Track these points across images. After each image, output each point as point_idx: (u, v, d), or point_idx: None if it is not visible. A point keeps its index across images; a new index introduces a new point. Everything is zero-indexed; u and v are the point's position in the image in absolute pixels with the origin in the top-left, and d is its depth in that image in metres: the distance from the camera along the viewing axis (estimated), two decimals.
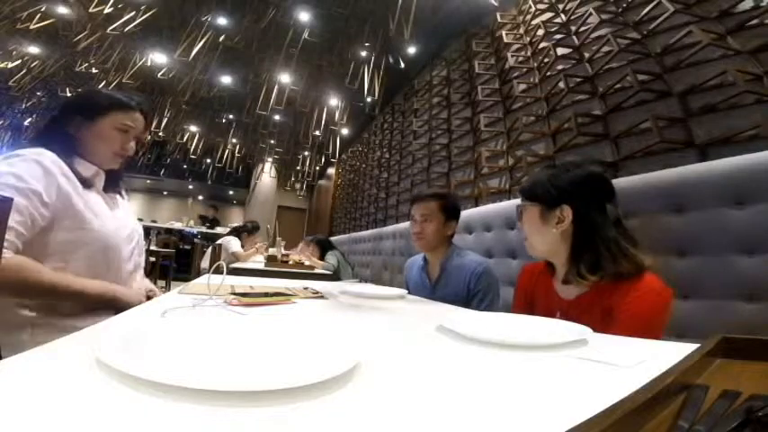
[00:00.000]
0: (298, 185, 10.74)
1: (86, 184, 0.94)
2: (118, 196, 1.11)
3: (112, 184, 1.09)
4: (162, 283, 4.95)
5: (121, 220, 1.04)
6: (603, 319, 0.82)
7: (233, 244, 3.78)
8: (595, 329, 0.69)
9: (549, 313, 0.89)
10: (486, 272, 1.46)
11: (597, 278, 0.84)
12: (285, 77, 5.48)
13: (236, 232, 4.09)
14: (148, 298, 1.00)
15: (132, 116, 1.02)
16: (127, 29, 4.45)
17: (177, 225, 7.77)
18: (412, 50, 4.41)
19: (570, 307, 0.91)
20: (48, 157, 0.87)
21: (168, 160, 10.58)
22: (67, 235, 0.87)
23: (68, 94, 6.76)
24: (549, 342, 0.57)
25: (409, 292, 1.58)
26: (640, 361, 0.49)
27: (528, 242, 1.00)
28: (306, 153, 9.32)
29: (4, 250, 0.78)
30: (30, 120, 8.48)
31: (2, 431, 0.24)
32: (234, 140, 8.93)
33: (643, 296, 0.80)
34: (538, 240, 0.96)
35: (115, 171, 1.08)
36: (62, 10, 4.62)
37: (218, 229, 7.45)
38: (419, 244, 1.55)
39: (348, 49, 4.82)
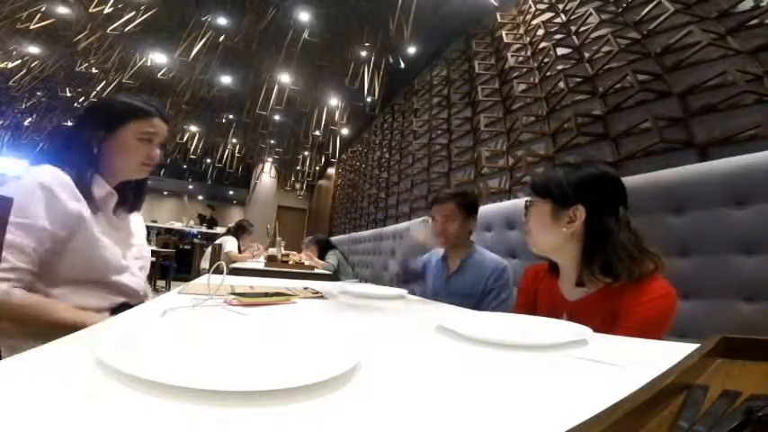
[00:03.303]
0: (298, 185, 10.74)
1: (95, 206, 0.91)
2: (130, 216, 1.07)
3: (136, 202, 1.07)
4: (162, 283, 4.95)
5: (128, 248, 1.01)
6: (610, 321, 0.81)
7: (228, 244, 3.78)
8: (602, 331, 0.68)
9: (552, 314, 0.88)
10: (505, 271, 1.50)
11: (611, 280, 0.82)
12: (285, 77, 5.48)
13: (235, 232, 4.08)
14: None
15: (152, 123, 0.97)
16: (127, 29, 4.45)
17: (177, 225, 7.78)
18: (412, 50, 4.41)
19: (576, 308, 0.90)
20: (58, 180, 0.83)
21: (168, 160, 10.58)
22: (75, 257, 0.85)
23: (68, 94, 6.77)
24: (549, 342, 0.57)
25: (419, 276, 1.63)
26: (640, 361, 0.49)
27: (532, 239, 0.96)
28: (306, 153, 9.32)
29: (15, 289, 0.78)
30: (30, 120, 8.48)
31: (2, 431, 0.24)
32: (234, 140, 8.94)
33: (653, 301, 0.78)
34: (543, 239, 0.93)
35: (140, 188, 1.06)
36: (62, 10, 4.62)
37: (218, 229, 7.45)
38: (440, 242, 1.60)
39: (348, 49, 4.82)
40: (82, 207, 0.86)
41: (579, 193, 0.88)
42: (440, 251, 1.71)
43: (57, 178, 0.83)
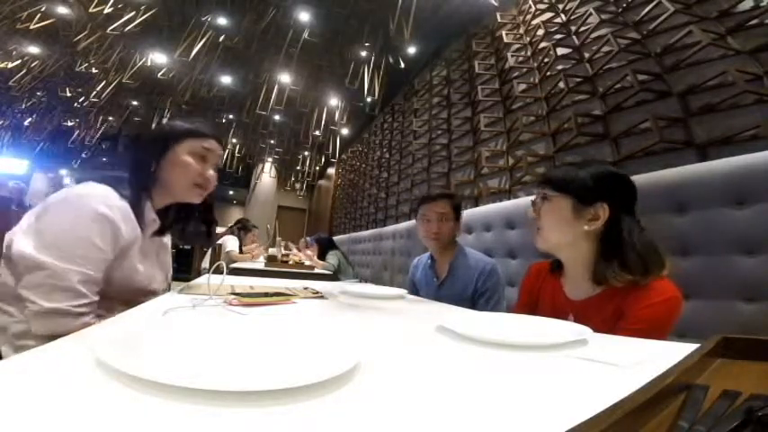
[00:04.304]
0: (298, 185, 10.74)
1: (141, 232, 0.92)
2: (164, 238, 1.06)
3: (209, 235, 1.08)
4: None
5: (158, 271, 1.02)
6: (614, 322, 0.81)
7: (229, 243, 3.76)
8: (604, 331, 0.68)
9: (556, 314, 0.87)
10: (494, 271, 1.48)
11: (634, 278, 0.81)
12: (285, 77, 5.48)
13: (236, 231, 4.06)
14: None
15: (208, 141, 0.97)
16: (127, 29, 4.45)
17: None
18: (412, 50, 4.41)
19: (581, 308, 0.89)
20: (121, 211, 0.83)
21: None
22: (112, 281, 0.86)
23: (68, 94, 6.77)
24: (549, 342, 0.57)
25: (413, 292, 1.59)
26: (640, 361, 0.49)
27: (541, 234, 0.93)
28: (306, 153, 9.32)
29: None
30: (30, 120, 8.48)
31: (2, 431, 0.24)
32: (234, 140, 8.93)
33: (659, 303, 0.78)
34: (558, 235, 0.90)
35: (208, 214, 1.07)
36: (62, 10, 4.62)
37: (218, 229, 7.45)
38: (435, 243, 1.54)
39: (348, 49, 4.83)
40: (132, 236, 0.87)
41: (603, 191, 0.86)
42: (424, 257, 1.67)
43: (120, 209, 0.83)
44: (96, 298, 0.80)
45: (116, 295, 0.89)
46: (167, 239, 1.10)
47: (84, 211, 0.79)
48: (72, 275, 0.75)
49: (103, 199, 0.82)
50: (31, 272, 0.73)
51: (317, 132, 7.15)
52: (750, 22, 1.49)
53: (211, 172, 0.99)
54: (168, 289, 1.08)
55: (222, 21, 4.60)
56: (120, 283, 0.87)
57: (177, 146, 0.95)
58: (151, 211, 0.94)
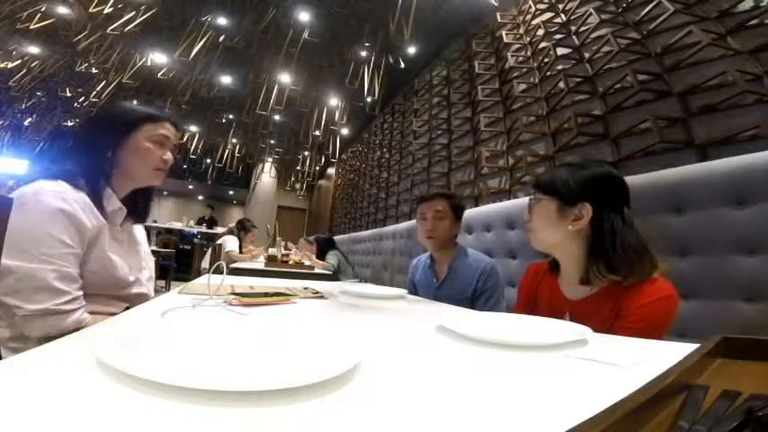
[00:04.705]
0: (298, 185, 10.74)
1: (108, 221, 0.91)
2: (134, 227, 1.06)
3: (144, 213, 1.07)
4: (162, 283, 4.95)
5: (134, 259, 1.01)
6: (612, 321, 0.81)
7: (229, 243, 3.76)
8: (603, 330, 0.68)
9: (553, 314, 0.88)
10: (494, 271, 1.48)
11: (617, 278, 0.82)
12: (285, 77, 5.48)
13: (236, 230, 4.06)
14: None
15: (165, 126, 0.98)
16: (127, 29, 4.45)
17: (177, 225, 7.76)
18: (412, 50, 4.41)
19: (578, 308, 0.90)
20: (78, 203, 0.82)
21: None
22: (88, 276, 0.86)
23: (68, 94, 6.77)
24: (549, 342, 0.57)
25: (413, 292, 1.59)
26: (640, 361, 0.49)
27: (534, 236, 0.96)
28: (306, 153, 9.33)
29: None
30: (30, 120, 8.48)
31: (2, 431, 0.24)
32: (234, 140, 8.94)
33: (656, 302, 0.79)
34: (547, 236, 0.93)
35: (147, 199, 1.06)
36: (62, 10, 4.62)
37: (218, 229, 7.45)
38: (430, 242, 1.54)
39: (348, 49, 4.83)
40: (97, 225, 0.86)
41: (586, 192, 0.88)
42: (424, 257, 1.67)
43: (77, 201, 0.82)
44: (79, 293, 0.80)
45: (101, 290, 0.88)
46: (139, 226, 1.09)
47: (41, 208, 0.78)
48: (43, 274, 0.74)
49: (59, 194, 0.81)
50: (3, 278, 0.72)
51: (317, 132, 7.15)
52: (750, 22, 1.49)
53: (169, 154, 0.98)
54: (156, 280, 1.08)
55: (222, 21, 4.60)
56: (98, 276, 0.87)
57: (135, 132, 0.93)
58: (115, 200, 0.93)
